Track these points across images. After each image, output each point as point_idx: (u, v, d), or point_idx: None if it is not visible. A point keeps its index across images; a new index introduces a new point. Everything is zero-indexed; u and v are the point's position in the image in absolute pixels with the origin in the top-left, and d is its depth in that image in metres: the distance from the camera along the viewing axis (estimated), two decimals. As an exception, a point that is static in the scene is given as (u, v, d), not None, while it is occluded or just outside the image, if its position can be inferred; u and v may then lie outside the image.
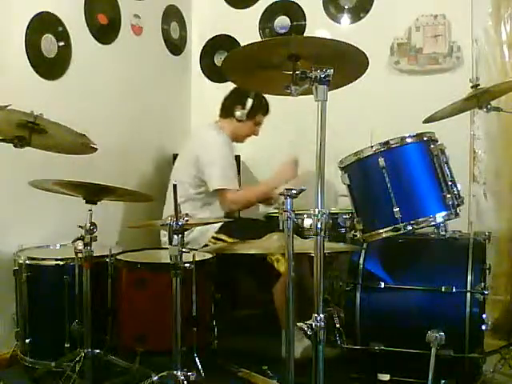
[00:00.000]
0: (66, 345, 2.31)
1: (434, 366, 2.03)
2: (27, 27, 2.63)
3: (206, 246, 2.82)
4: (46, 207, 2.70)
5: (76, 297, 2.30)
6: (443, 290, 2.16)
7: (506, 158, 3.25)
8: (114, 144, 3.07)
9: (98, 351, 2.22)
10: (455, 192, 2.19)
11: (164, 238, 2.95)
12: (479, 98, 2.42)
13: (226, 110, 3.10)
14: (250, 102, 3.01)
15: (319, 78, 1.61)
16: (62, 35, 2.82)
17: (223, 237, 2.85)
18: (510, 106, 2.65)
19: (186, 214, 1.93)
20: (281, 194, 1.69)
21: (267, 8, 3.80)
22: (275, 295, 2.71)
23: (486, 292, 2.13)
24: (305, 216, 2.73)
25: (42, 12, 2.70)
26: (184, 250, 1.93)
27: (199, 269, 2.26)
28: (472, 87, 2.42)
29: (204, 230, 2.87)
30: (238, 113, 3.03)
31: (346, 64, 1.79)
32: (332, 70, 1.61)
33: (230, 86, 2.99)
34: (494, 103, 2.45)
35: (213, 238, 2.87)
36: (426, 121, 2.51)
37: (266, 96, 3.04)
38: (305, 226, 2.74)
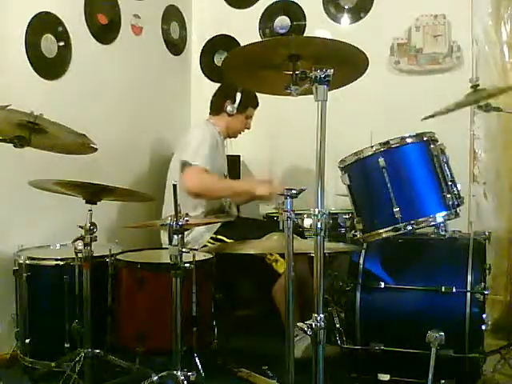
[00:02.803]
0: (66, 345, 2.31)
1: (434, 366, 2.02)
2: (27, 27, 2.63)
3: (205, 247, 2.83)
4: (46, 207, 2.70)
5: (76, 297, 2.29)
6: (443, 290, 2.16)
7: (506, 158, 3.25)
8: (113, 144, 3.07)
9: (98, 351, 2.21)
10: (455, 192, 2.19)
11: (165, 238, 2.95)
12: (478, 99, 2.42)
13: (216, 107, 3.12)
14: (239, 95, 3.03)
15: (319, 78, 1.61)
16: (62, 35, 2.82)
17: (222, 238, 2.85)
18: (510, 106, 2.65)
19: (186, 214, 1.94)
20: (281, 194, 1.69)
21: (267, 8, 3.80)
22: (275, 296, 2.71)
23: (486, 292, 2.13)
24: (305, 216, 2.73)
25: (42, 12, 2.70)
26: (184, 249, 1.93)
27: (199, 269, 2.26)
28: (472, 87, 2.42)
29: (202, 231, 2.87)
30: (228, 108, 3.05)
31: (346, 64, 1.79)
32: (332, 70, 1.61)
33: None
34: (493, 103, 2.45)
35: (211, 238, 2.87)
36: (425, 118, 2.51)
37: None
38: (305, 225, 2.74)
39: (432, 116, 2.50)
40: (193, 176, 2.79)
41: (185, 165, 2.82)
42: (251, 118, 3.17)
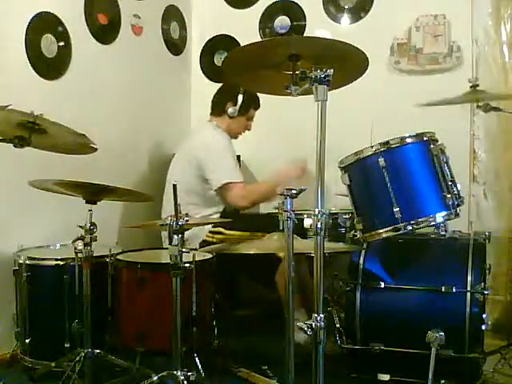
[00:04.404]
0: (66, 345, 2.31)
1: (434, 366, 2.02)
2: (27, 27, 2.63)
3: (204, 241, 2.82)
4: (46, 207, 2.70)
5: (76, 297, 2.30)
6: (443, 290, 2.16)
7: (506, 158, 3.25)
8: (113, 144, 3.07)
9: (98, 351, 2.22)
10: (455, 192, 2.19)
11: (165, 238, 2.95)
12: (477, 99, 2.43)
13: (218, 108, 3.11)
14: (240, 97, 3.02)
15: (319, 77, 1.61)
16: (62, 35, 2.82)
17: (221, 230, 2.84)
18: (510, 106, 2.65)
19: (186, 214, 1.94)
20: (281, 194, 1.69)
21: (267, 8, 3.80)
22: (277, 283, 2.70)
23: (486, 292, 2.13)
24: (305, 216, 2.73)
25: (42, 12, 2.70)
26: (184, 250, 1.93)
27: (199, 269, 2.26)
28: (471, 87, 2.42)
29: (200, 227, 2.87)
30: (230, 109, 3.04)
31: (346, 64, 1.79)
32: (332, 70, 1.61)
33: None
34: (493, 103, 2.45)
35: (210, 232, 2.87)
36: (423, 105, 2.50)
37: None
38: (305, 225, 2.74)
39: (430, 104, 2.49)
40: (239, 196, 2.86)
41: (224, 187, 2.86)
42: (252, 119, 3.17)
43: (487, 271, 2.25)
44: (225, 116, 3.08)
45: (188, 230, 2.67)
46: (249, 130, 3.19)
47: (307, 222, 2.50)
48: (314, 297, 1.61)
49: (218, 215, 2.98)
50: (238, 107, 3.02)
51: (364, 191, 2.25)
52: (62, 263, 2.37)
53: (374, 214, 2.21)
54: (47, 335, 2.38)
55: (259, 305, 3.20)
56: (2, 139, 1.88)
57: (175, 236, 1.90)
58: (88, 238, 2.18)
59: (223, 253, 2.53)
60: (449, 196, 2.14)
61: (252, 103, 3.10)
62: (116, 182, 2.28)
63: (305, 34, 3.57)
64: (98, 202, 2.26)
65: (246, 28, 3.81)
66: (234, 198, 2.88)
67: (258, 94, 3.10)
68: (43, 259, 2.41)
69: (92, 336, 2.20)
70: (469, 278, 2.16)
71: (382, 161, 2.13)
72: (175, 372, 1.97)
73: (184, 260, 1.94)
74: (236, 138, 3.21)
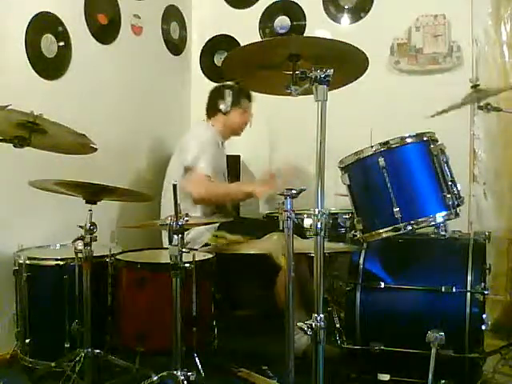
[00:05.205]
0: (66, 345, 2.31)
1: (434, 366, 2.02)
2: (27, 27, 2.63)
3: (207, 244, 2.82)
4: (46, 207, 2.70)
5: (76, 297, 2.30)
6: (443, 290, 2.15)
7: (506, 158, 3.25)
8: (113, 144, 3.07)
9: (98, 351, 2.21)
10: (455, 192, 2.19)
11: (165, 239, 2.95)
12: (479, 99, 2.42)
13: (211, 109, 3.16)
14: (228, 92, 3.07)
15: (319, 77, 1.61)
16: (62, 35, 2.82)
17: (224, 234, 2.84)
18: (510, 106, 2.65)
19: (186, 214, 1.94)
20: (281, 194, 1.69)
21: (267, 8, 3.80)
22: (277, 291, 2.70)
23: (486, 292, 2.13)
24: (305, 216, 2.73)
25: (42, 12, 2.70)
26: (184, 249, 1.93)
27: (199, 269, 2.26)
28: (472, 87, 2.42)
29: (202, 229, 2.87)
30: (222, 106, 3.09)
31: (346, 64, 1.79)
32: (332, 70, 1.61)
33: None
34: (493, 103, 2.45)
35: (213, 236, 2.86)
36: (433, 116, 2.51)
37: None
38: (305, 225, 2.74)
39: (442, 112, 2.49)
40: (197, 183, 2.83)
41: (188, 169, 2.85)
42: (249, 112, 3.16)
43: (487, 271, 2.25)
44: (219, 114, 3.12)
45: (188, 229, 2.69)
46: (248, 122, 3.18)
47: (307, 222, 2.51)
48: (314, 297, 1.61)
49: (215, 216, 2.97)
50: (228, 101, 3.06)
51: (364, 191, 2.25)
52: (62, 263, 2.37)
53: (373, 213, 2.21)
54: (47, 335, 2.38)
55: (259, 305, 3.20)
56: (1, 139, 1.88)
57: (175, 236, 1.90)
58: (88, 237, 2.17)
59: (223, 253, 2.53)
60: (449, 196, 2.14)
61: (242, 94, 3.12)
62: (116, 182, 2.28)
63: (305, 34, 3.57)
64: (98, 202, 2.25)
65: (246, 28, 3.81)
66: (191, 185, 2.82)
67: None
68: (43, 259, 2.41)
69: (92, 336, 2.20)
70: (469, 278, 2.16)
71: (381, 161, 2.13)
72: (175, 372, 1.96)
73: (184, 260, 1.94)
74: (238, 134, 3.20)
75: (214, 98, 3.14)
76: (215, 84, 3.33)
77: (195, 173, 2.85)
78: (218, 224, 2.87)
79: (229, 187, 3.08)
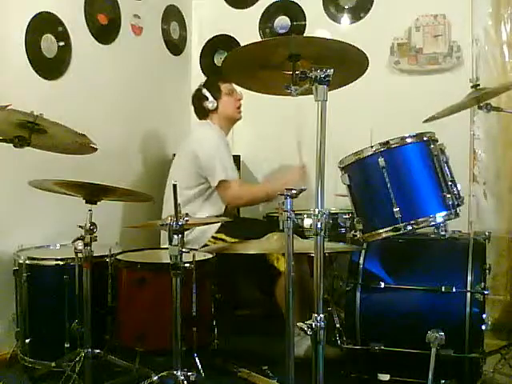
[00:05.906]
0: (66, 345, 2.31)
1: (434, 366, 2.02)
2: (27, 27, 2.63)
3: (206, 245, 2.83)
4: (45, 207, 2.70)
5: (76, 297, 2.29)
6: (443, 290, 2.15)
7: (506, 158, 3.25)
8: (113, 144, 3.07)
9: (98, 351, 2.21)
10: (455, 192, 2.19)
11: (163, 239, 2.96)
12: (479, 99, 2.42)
13: (202, 113, 3.16)
14: (204, 89, 3.10)
15: (319, 77, 1.61)
16: (62, 35, 2.82)
17: (223, 236, 2.85)
18: (510, 106, 2.65)
19: (186, 214, 1.94)
20: (281, 194, 1.69)
21: (267, 8, 3.80)
22: (277, 295, 2.71)
23: (486, 292, 2.13)
24: (305, 216, 2.72)
25: (42, 12, 2.70)
26: (184, 249, 1.93)
27: (199, 269, 2.26)
28: (472, 87, 2.42)
29: (203, 230, 2.87)
30: (207, 104, 3.09)
31: (346, 64, 1.79)
32: (332, 70, 1.61)
33: (229, 86, 3.00)
34: (494, 103, 2.45)
35: (212, 237, 2.87)
36: (426, 121, 2.52)
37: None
38: (305, 225, 2.73)
39: (434, 118, 2.51)
40: (235, 196, 2.96)
41: (221, 183, 2.90)
42: (233, 94, 3.12)
43: (487, 271, 2.24)
44: (211, 113, 3.11)
45: (188, 229, 2.69)
46: (239, 101, 3.15)
47: (307, 222, 2.51)
48: (314, 297, 1.61)
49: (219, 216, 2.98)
50: (211, 98, 3.07)
51: (364, 191, 2.25)
52: (62, 263, 2.37)
53: (373, 214, 2.21)
54: (47, 335, 2.38)
55: (259, 305, 3.20)
56: (2, 139, 1.88)
57: (175, 236, 1.90)
58: (88, 237, 2.17)
59: (223, 253, 2.53)
60: (449, 196, 2.14)
61: (214, 80, 3.13)
62: (116, 182, 2.28)
63: (305, 34, 3.56)
64: (98, 202, 2.26)
65: (246, 28, 3.81)
66: (230, 196, 2.95)
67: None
68: (43, 259, 2.41)
69: (92, 336, 2.20)
70: (469, 278, 2.16)
71: (381, 161, 2.13)
72: (175, 372, 1.96)
73: (184, 260, 1.94)
74: (239, 118, 3.18)
75: (198, 102, 3.14)
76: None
77: (229, 187, 2.92)
78: (217, 227, 2.87)
79: (262, 188, 3.15)
